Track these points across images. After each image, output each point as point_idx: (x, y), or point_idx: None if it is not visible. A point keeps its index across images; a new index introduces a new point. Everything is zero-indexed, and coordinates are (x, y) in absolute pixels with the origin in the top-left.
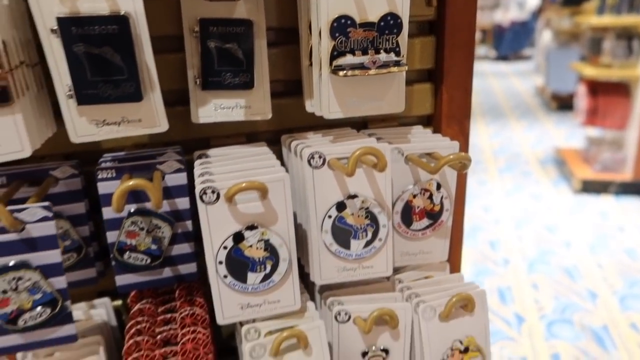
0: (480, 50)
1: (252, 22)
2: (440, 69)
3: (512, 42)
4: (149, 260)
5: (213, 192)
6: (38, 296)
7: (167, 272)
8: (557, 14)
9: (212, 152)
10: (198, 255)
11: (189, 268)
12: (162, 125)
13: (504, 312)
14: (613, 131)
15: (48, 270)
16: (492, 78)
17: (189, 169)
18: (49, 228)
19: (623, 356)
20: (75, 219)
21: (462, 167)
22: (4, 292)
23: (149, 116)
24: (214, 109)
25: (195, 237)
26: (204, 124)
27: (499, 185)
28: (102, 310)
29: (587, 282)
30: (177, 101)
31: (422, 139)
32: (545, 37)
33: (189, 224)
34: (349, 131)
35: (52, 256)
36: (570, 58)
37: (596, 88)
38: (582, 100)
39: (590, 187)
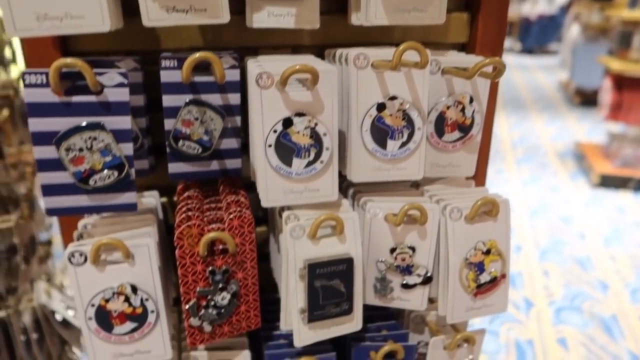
0: (505, 42)
1: None
2: None
3: (538, 35)
4: (200, 150)
5: (268, 77)
6: (108, 158)
7: (214, 164)
8: (587, 8)
9: (262, 57)
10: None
11: (235, 163)
12: (224, 17)
13: (514, 296)
14: (636, 127)
15: (119, 135)
16: (515, 71)
17: (241, 71)
18: (123, 94)
19: (631, 346)
20: (134, 110)
21: (496, 75)
22: (80, 150)
23: (214, 6)
24: (267, 15)
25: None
26: (255, 32)
27: (516, 175)
28: (151, 199)
29: (599, 273)
30: (230, 10)
31: (457, 56)
32: (573, 31)
33: (238, 119)
34: (390, 47)
35: (124, 122)
36: (597, 53)
37: (622, 83)
38: (606, 94)
39: (609, 182)
